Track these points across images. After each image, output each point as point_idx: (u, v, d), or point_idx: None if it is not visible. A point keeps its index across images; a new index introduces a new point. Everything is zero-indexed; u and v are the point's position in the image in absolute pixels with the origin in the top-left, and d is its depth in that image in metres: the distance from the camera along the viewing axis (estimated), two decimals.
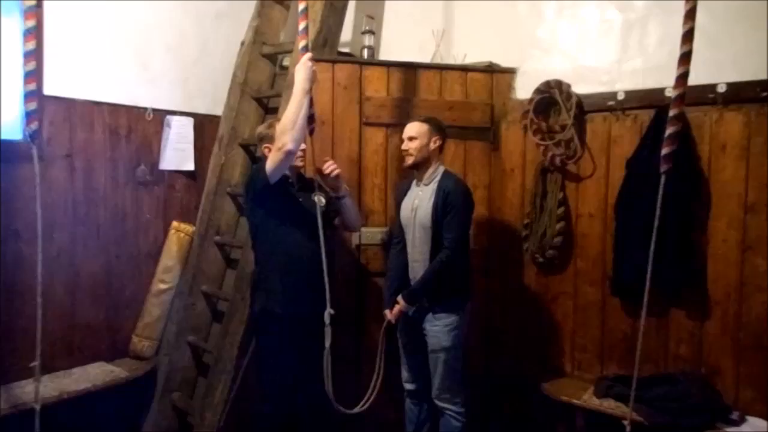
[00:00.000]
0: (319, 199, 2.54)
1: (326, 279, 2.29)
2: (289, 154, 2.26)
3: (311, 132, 2.37)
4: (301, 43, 2.27)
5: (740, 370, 2.55)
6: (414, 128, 2.64)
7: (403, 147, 2.66)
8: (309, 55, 2.27)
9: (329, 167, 2.51)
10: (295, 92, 2.28)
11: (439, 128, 2.66)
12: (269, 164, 2.34)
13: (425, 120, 2.66)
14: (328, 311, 2.29)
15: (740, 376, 2.55)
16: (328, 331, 2.29)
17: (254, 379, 2.79)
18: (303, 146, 2.47)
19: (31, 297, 2.10)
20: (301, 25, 2.25)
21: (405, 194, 2.74)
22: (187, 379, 3.23)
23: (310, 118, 2.33)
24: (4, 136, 2.60)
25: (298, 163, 2.55)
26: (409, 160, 2.65)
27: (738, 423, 2.41)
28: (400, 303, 2.62)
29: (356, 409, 2.54)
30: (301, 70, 2.27)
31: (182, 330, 3.19)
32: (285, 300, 2.47)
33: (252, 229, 2.60)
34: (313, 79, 2.28)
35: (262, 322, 2.59)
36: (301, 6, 2.25)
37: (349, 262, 3.01)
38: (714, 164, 2.59)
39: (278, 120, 2.49)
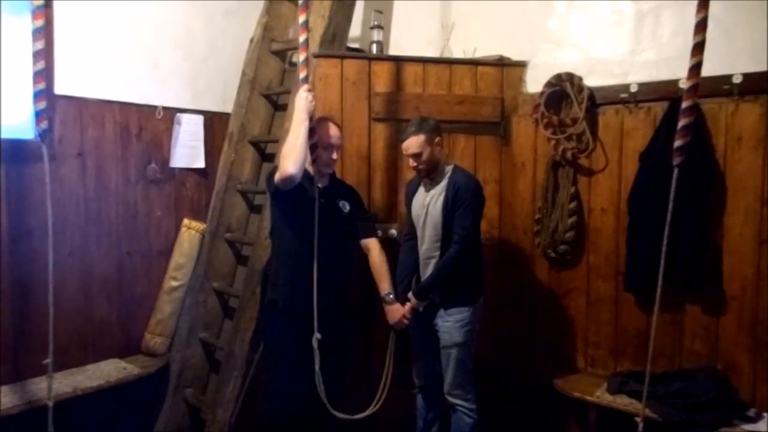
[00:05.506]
0: (344, 205, 2.61)
1: (315, 276, 2.35)
2: (290, 177, 2.31)
3: (314, 161, 2.44)
4: (302, 37, 2.26)
5: (757, 366, 2.51)
6: (414, 144, 2.51)
7: (412, 164, 2.58)
8: (306, 86, 2.32)
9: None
10: (294, 121, 2.36)
11: (433, 129, 2.55)
12: (277, 178, 2.38)
13: (417, 130, 2.52)
14: (315, 306, 2.35)
15: (757, 372, 2.51)
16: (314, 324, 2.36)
17: (265, 375, 2.80)
18: (334, 156, 2.54)
19: (44, 295, 2.12)
20: (301, 18, 2.24)
21: (416, 191, 2.72)
22: (199, 375, 3.25)
23: (313, 147, 2.38)
24: (16, 136, 2.63)
25: (326, 170, 2.56)
26: (422, 173, 2.60)
27: (755, 420, 2.37)
28: (411, 300, 2.61)
29: (367, 413, 2.57)
30: (299, 101, 2.33)
31: (194, 327, 3.21)
32: (286, 294, 2.51)
33: (271, 223, 2.67)
34: (310, 110, 2.32)
35: (267, 313, 2.65)
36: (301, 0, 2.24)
37: (359, 257, 2.99)
38: (729, 157, 2.55)
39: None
